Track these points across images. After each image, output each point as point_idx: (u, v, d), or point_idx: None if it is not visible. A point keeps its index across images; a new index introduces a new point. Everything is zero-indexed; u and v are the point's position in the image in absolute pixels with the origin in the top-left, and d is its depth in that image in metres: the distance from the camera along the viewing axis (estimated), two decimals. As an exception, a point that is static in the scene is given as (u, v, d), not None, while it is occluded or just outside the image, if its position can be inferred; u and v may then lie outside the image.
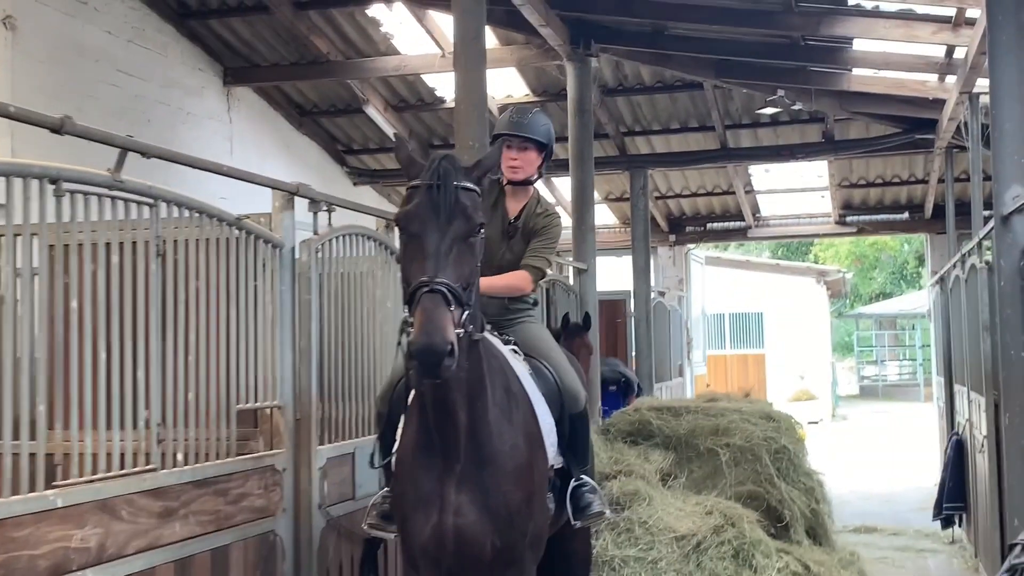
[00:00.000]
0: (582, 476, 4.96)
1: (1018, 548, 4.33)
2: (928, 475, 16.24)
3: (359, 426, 6.01)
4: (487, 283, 4.65)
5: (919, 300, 40.61)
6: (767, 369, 29.05)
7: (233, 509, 4.88)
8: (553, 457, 4.75)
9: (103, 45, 11.11)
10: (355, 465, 5.89)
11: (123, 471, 4.20)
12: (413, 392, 4.36)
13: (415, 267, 3.90)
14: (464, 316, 3.88)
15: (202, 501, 4.64)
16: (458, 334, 3.79)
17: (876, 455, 19.64)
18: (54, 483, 3.93)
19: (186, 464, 4.59)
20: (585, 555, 5.78)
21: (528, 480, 4.38)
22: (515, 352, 4.89)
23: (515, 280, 5.06)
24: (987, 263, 8.46)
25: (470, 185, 4.09)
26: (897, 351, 44.80)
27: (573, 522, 4.92)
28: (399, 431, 4.53)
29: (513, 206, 5.22)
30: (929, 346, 39.78)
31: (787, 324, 29.19)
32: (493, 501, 4.23)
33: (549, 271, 5.44)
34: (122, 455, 4.23)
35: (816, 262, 42.58)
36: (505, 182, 5.21)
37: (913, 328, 42.19)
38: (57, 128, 3.82)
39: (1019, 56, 6.55)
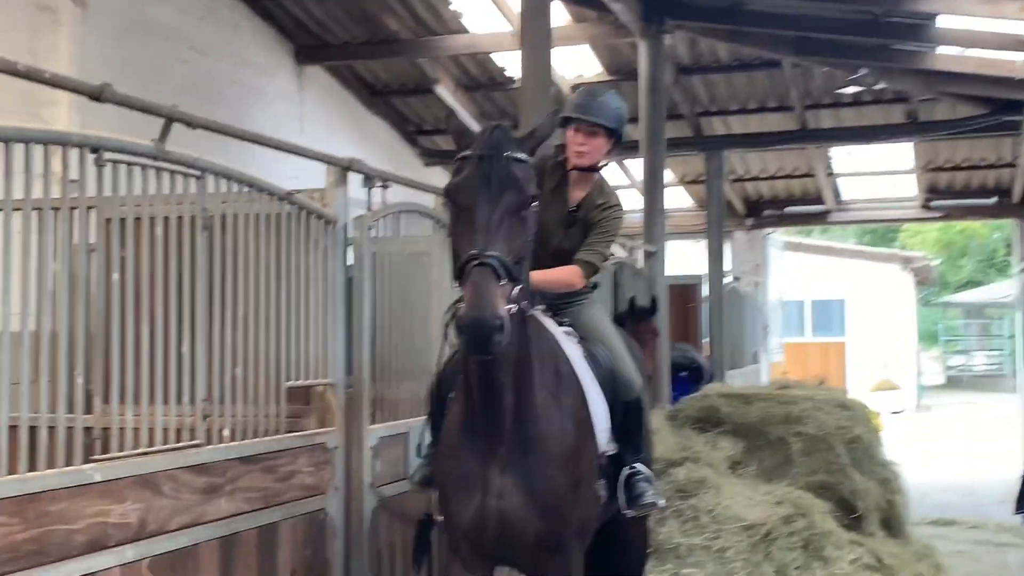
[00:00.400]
0: (636, 465, 4.80)
1: None
2: (1011, 466, 15.78)
3: (413, 407, 5.91)
4: (537, 277, 4.48)
5: (1009, 289, 39.59)
6: (847, 358, 28.47)
7: (282, 487, 4.81)
8: (605, 444, 4.59)
9: (174, 22, 11.14)
10: (408, 446, 5.79)
11: (167, 446, 4.14)
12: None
13: (465, 240, 3.78)
14: (515, 291, 3.76)
15: (249, 478, 4.57)
16: (509, 309, 3.67)
17: (958, 446, 19.14)
18: (93, 457, 3.87)
19: (233, 441, 4.52)
20: (641, 545, 5.61)
21: (575, 466, 4.24)
22: (568, 335, 4.74)
23: (566, 275, 4.85)
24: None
25: (523, 156, 3.94)
26: (985, 341, 43.68)
27: (625, 512, 4.77)
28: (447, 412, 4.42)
29: (576, 193, 5.02)
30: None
31: (870, 312, 28.59)
32: (538, 486, 4.10)
33: (603, 266, 5.22)
34: (165, 430, 4.18)
35: (903, 249, 41.68)
36: (570, 167, 5.01)
37: (1001, 318, 41.07)
38: (96, 95, 3.76)
39: None
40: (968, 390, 37.12)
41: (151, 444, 4.07)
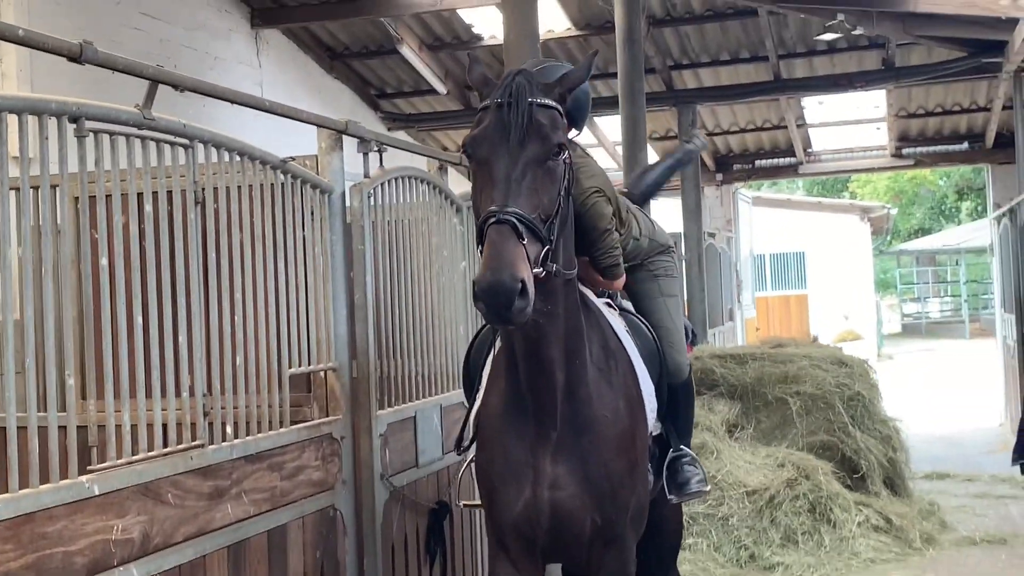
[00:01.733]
0: (682, 447, 4.43)
1: None
2: (989, 416, 15.70)
3: (419, 386, 5.50)
4: None
5: (960, 235, 39.83)
6: (810, 310, 28.41)
7: (289, 484, 4.40)
8: (653, 423, 4.21)
9: (125, -14, 10.53)
10: (417, 430, 5.39)
11: (167, 449, 3.70)
12: (499, 345, 3.82)
13: (484, 196, 3.37)
14: (543, 253, 3.33)
15: (256, 478, 4.16)
16: (536, 274, 3.25)
17: (930, 395, 19.09)
18: (89, 467, 3.42)
19: (236, 437, 4.08)
20: (677, 523, 5.26)
21: (631, 448, 3.86)
22: (609, 305, 4.34)
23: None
24: (1084, 191, 7.81)
25: (549, 102, 3.50)
26: (939, 287, 44.03)
27: (669, 497, 4.42)
28: (480, 391, 4.00)
29: None
30: (975, 282, 39.35)
31: (829, 263, 28.51)
32: (594, 472, 3.71)
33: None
34: (164, 426, 3.74)
35: (854, 198, 41.75)
36: None
37: (956, 264, 41.37)
38: (76, 56, 3.27)
39: None
40: (925, 336, 37.40)
41: (150, 444, 3.64)
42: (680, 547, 5.50)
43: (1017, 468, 10.60)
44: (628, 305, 4.71)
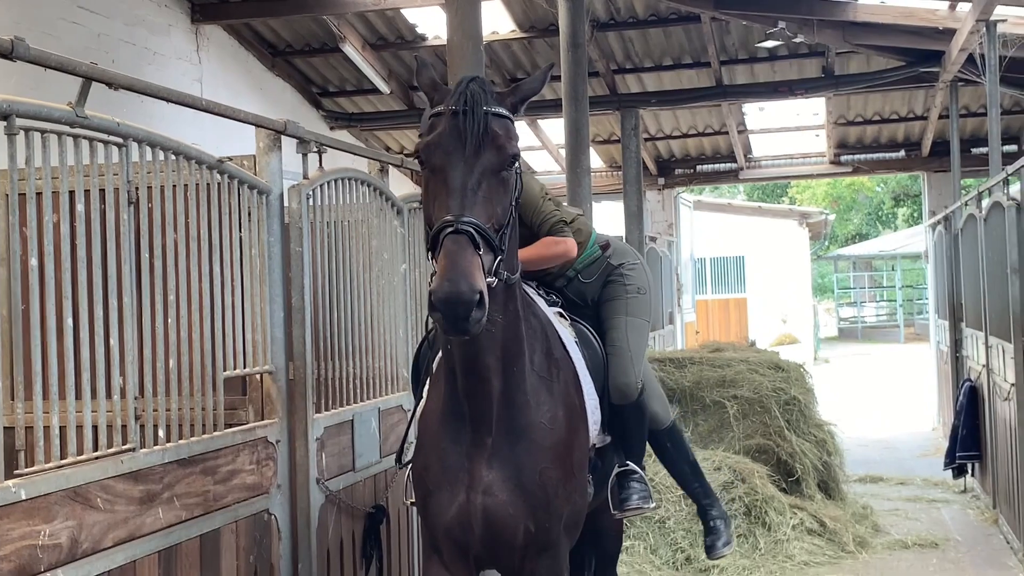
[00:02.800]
0: (628, 463, 4.44)
1: None
2: (923, 420, 15.96)
3: (357, 390, 5.46)
4: (529, 253, 4.11)
5: (896, 241, 40.50)
6: (749, 314, 28.70)
7: (222, 489, 4.34)
8: (596, 435, 4.21)
9: (61, -21, 10.34)
10: (354, 433, 5.35)
11: (97, 453, 3.64)
12: (440, 353, 3.80)
13: (438, 205, 3.35)
14: (496, 263, 3.34)
15: (188, 482, 4.10)
16: (489, 283, 3.25)
17: (865, 399, 19.37)
18: (16, 471, 3.35)
19: (168, 441, 4.02)
20: (617, 531, 5.29)
21: (567, 458, 3.85)
22: (561, 315, 4.34)
23: (559, 247, 4.43)
24: (1015, 200, 7.96)
25: (503, 111, 3.49)
26: (875, 292, 44.70)
27: (612, 512, 4.44)
28: (423, 396, 3.99)
29: None
30: (910, 287, 40.02)
31: (768, 267, 28.84)
32: (528, 479, 3.70)
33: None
34: (94, 428, 3.67)
35: (793, 203, 42.25)
36: None
37: (892, 269, 42.03)
38: (7, 52, 3.19)
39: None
40: (861, 341, 37.96)
41: (80, 448, 3.57)
42: (619, 553, 5.53)
43: (949, 472, 10.83)
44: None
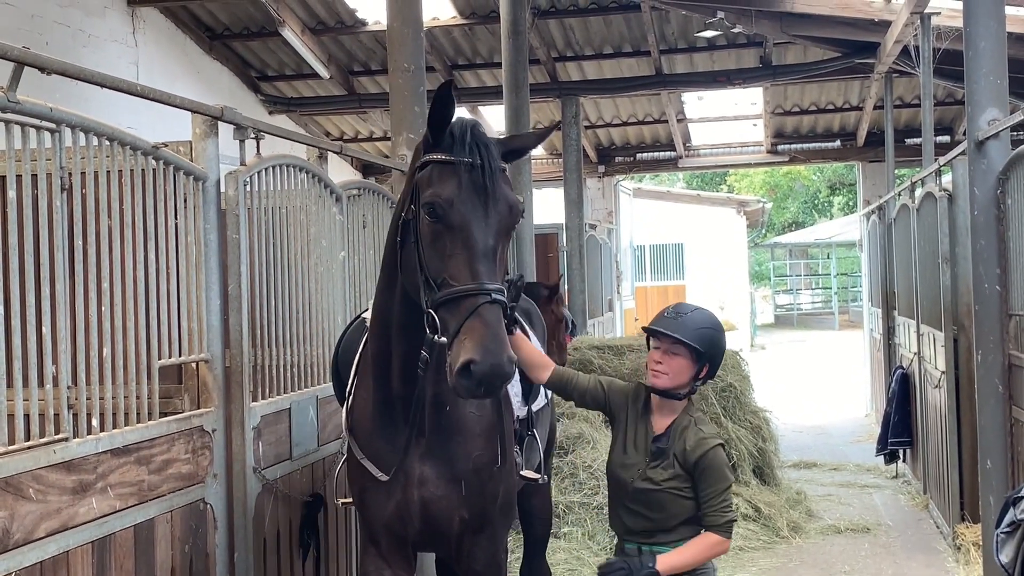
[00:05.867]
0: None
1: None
2: (856, 406, 16.25)
3: (295, 378, 5.43)
4: (675, 561, 3.94)
5: (832, 229, 41.12)
6: (688, 300, 28.95)
7: (157, 479, 4.29)
8: (519, 407, 4.25)
9: (-8, -42, 10.13)
10: (292, 422, 5.32)
11: (29, 443, 3.58)
12: (359, 354, 3.79)
13: (458, 264, 3.26)
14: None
15: (122, 472, 4.05)
16: None
17: (801, 386, 19.67)
18: (-55, 463, 3.30)
19: (102, 430, 3.97)
20: (545, 512, 5.35)
21: (497, 440, 3.91)
22: None
23: (710, 547, 4.06)
24: (947, 191, 8.12)
25: (505, 166, 3.46)
26: (811, 280, 45.33)
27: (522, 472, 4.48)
28: (349, 394, 3.99)
29: (659, 422, 4.15)
30: (845, 275, 40.64)
31: (707, 255, 29.14)
32: (462, 470, 3.76)
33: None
34: (26, 417, 3.61)
35: (731, 192, 42.69)
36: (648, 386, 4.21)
37: (828, 257, 42.64)
38: (-67, 34, 3.12)
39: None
40: (797, 328, 38.49)
41: (11, 437, 3.51)
42: (549, 538, 5.57)
43: (881, 458, 11.04)
44: None
